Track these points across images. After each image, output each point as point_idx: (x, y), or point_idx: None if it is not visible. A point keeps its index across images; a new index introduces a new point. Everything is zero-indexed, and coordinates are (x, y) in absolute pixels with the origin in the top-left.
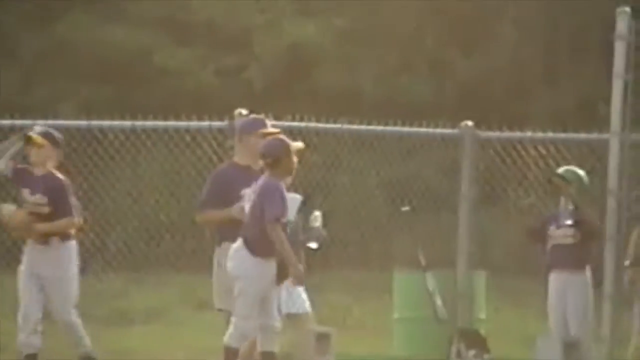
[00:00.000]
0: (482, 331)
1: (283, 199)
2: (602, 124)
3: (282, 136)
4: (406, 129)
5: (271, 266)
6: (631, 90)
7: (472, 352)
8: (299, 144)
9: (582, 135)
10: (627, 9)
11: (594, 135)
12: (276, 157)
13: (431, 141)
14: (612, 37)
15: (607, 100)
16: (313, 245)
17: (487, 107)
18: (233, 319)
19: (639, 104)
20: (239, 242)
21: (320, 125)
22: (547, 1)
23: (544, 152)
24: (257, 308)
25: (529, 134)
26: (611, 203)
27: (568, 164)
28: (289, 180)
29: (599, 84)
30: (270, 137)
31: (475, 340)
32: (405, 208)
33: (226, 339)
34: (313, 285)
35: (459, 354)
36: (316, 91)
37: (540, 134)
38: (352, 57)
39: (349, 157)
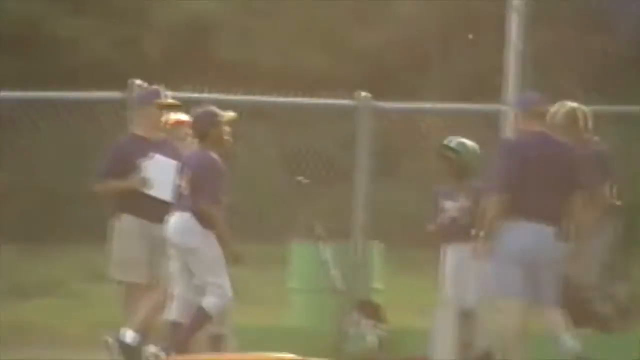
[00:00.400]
0: (379, 301)
1: (219, 176)
2: (496, 95)
3: (211, 107)
4: (303, 100)
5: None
6: (525, 62)
7: (368, 322)
8: (229, 114)
9: (478, 106)
10: None
11: (489, 106)
12: (205, 129)
13: (328, 112)
14: (507, 9)
15: (502, 72)
16: None
17: (384, 78)
18: (209, 288)
19: (533, 74)
20: (183, 215)
21: (218, 96)
22: None
23: (440, 123)
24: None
25: (425, 104)
26: None
27: (464, 134)
28: (222, 150)
29: (494, 55)
30: (199, 109)
31: (372, 311)
32: (302, 179)
33: (208, 307)
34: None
35: (355, 324)
36: (213, 62)
37: (436, 105)
38: (249, 28)
39: (247, 128)
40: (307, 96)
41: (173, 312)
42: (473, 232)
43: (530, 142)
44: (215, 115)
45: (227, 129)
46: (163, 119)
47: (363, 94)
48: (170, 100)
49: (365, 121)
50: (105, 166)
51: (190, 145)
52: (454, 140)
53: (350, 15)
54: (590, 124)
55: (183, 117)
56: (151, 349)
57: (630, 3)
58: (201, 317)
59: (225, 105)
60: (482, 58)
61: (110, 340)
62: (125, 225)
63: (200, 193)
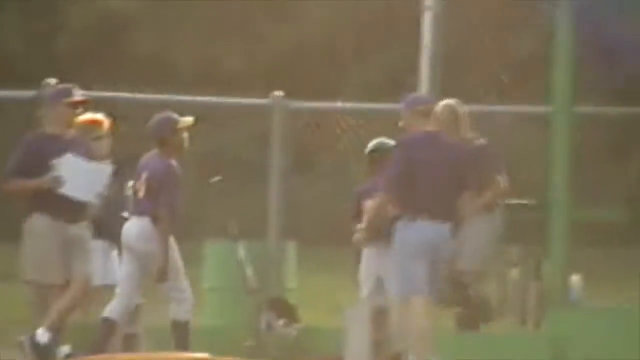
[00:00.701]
0: (292, 300)
1: (177, 184)
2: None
3: (170, 114)
4: (217, 99)
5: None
6: (439, 62)
7: (282, 321)
8: (188, 119)
9: (391, 106)
10: None
11: (402, 106)
12: (164, 135)
13: (243, 111)
14: (420, 9)
15: (416, 72)
16: (127, 214)
17: (298, 77)
18: (171, 294)
19: (446, 74)
20: (141, 220)
21: (131, 95)
22: None
23: (354, 122)
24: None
25: (339, 104)
26: None
27: (378, 134)
28: (179, 157)
29: (407, 55)
30: (158, 115)
31: (285, 310)
32: (216, 178)
33: (178, 316)
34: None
35: (269, 323)
36: (127, 60)
37: (350, 104)
38: (163, 27)
39: None
40: (222, 95)
41: (109, 310)
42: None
43: (419, 142)
44: (175, 122)
45: (185, 134)
46: (74, 117)
47: (277, 93)
48: (81, 98)
49: (280, 120)
50: (13, 164)
51: (105, 145)
52: (377, 142)
53: (265, 13)
54: (467, 121)
55: (97, 116)
56: (65, 349)
57: (540, 6)
58: (178, 328)
59: (138, 104)
60: (397, 57)
61: (23, 340)
62: (38, 225)
63: (158, 199)
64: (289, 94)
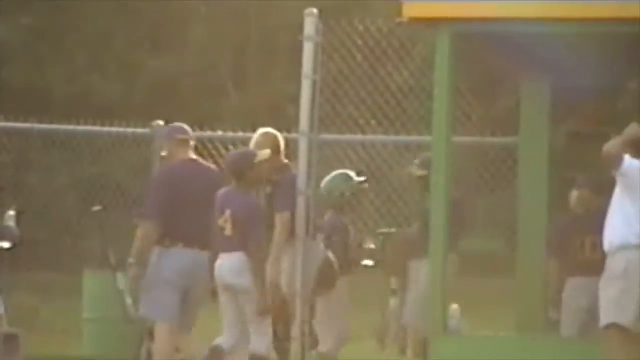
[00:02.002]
0: None
1: (261, 219)
2: (291, 124)
3: (245, 148)
4: (97, 128)
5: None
6: (319, 90)
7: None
8: (265, 152)
9: None
10: (315, 10)
11: (283, 135)
12: (240, 170)
13: (123, 140)
14: (300, 38)
15: (296, 101)
16: (6, 244)
17: (177, 106)
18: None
19: (326, 103)
20: (234, 256)
21: (9, 124)
22: (238, 2)
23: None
24: None
25: (219, 132)
26: (300, 202)
27: None
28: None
29: (288, 84)
30: (234, 151)
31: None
32: (97, 208)
33: (259, 350)
34: (1, 286)
35: (148, 353)
36: (5, 90)
37: (230, 133)
38: (41, 56)
39: (39, 156)
40: (102, 124)
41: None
42: None
43: (179, 170)
44: (252, 156)
45: (263, 167)
46: None
47: (158, 122)
48: None
49: (159, 149)
50: None
51: None
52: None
53: (144, 42)
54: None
55: None
56: None
57: (420, 37)
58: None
59: (17, 133)
60: (278, 86)
61: None
62: None
63: (245, 234)
64: (169, 123)
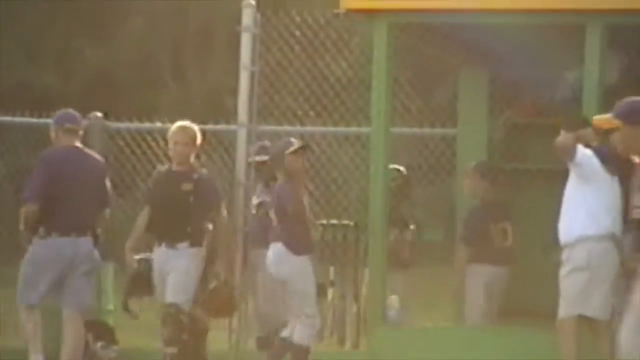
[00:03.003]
0: (110, 322)
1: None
2: (229, 115)
3: (279, 144)
4: (34, 119)
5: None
6: (257, 82)
7: (100, 344)
8: (298, 143)
9: (210, 127)
10: (253, 1)
11: (222, 127)
12: (280, 166)
13: None
14: (238, 30)
15: (234, 92)
16: None
17: (115, 97)
18: (300, 319)
19: (264, 95)
20: (276, 246)
21: None
22: None
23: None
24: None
25: (158, 124)
26: (239, 194)
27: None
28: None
29: (226, 76)
30: (278, 142)
31: (103, 332)
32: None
33: (301, 339)
34: None
35: (86, 345)
36: None
37: (169, 125)
38: None
39: None
40: (39, 116)
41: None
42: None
43: (64, 156)
44: (283, 149)
45: (296, 158)
46: None
47: (96, 113)
48: None
49: (98, 141)
50: None
51: None
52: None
53: (82, 32)
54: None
55: None
56: None
57: (359, 28)
58: (297, 351)
59: None
60: (217, 77)
61: None
62: None
63: (285, 225)
64: (107, 114)
